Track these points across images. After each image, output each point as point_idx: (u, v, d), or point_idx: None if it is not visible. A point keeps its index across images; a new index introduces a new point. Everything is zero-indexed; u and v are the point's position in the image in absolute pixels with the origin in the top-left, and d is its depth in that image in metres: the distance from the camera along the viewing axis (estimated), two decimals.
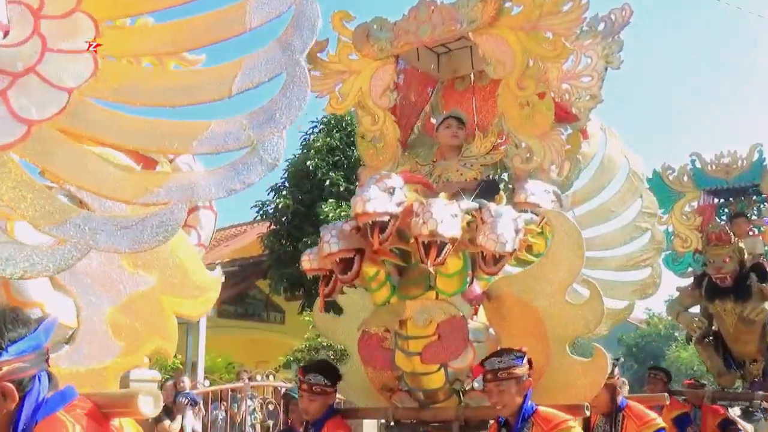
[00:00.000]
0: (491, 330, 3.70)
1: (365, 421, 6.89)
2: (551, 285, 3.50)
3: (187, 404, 8.46)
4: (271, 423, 9.98)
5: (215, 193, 2.48)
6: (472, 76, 4.86)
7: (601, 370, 3.45)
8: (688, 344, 8.79)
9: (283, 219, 13.10)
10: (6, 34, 2.39)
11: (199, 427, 8.74)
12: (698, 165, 6.91)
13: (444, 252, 3.29)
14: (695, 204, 6.83)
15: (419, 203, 3.37)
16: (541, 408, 3.21)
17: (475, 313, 3.78)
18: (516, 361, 3.15)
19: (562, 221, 3.52)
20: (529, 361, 3.23)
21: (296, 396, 4.35)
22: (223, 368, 12.08)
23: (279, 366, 12.27)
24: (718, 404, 5.86)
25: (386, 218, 3.37)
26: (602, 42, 4.39)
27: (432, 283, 3.64)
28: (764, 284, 6.05)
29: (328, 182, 12.71)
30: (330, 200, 12.40)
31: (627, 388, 6.03)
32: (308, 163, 12.71)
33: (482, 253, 3.42)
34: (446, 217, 3.26)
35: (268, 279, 12.98)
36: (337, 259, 3.51)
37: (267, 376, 10.89)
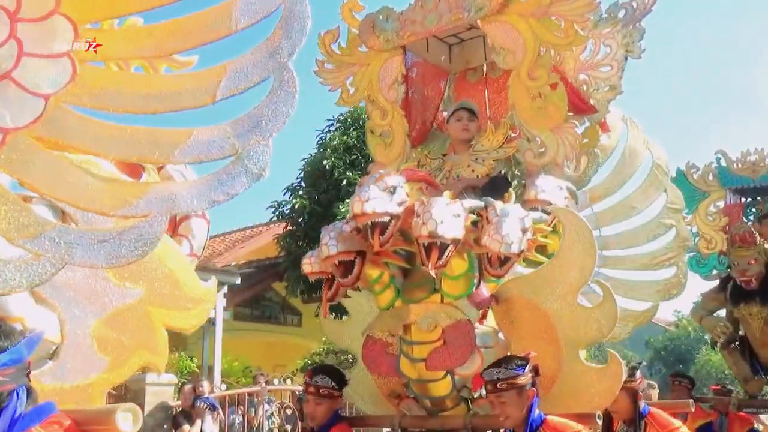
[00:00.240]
0: (500, 335, 3.53)
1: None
2: (562, 287, 3.32)
3: (206, 409, 8.43)
4: (289, 428, 9.86)
5: (197, 204, 2.39)
6: (484, 67, 4.69)
7: (616, 377, 3.26)
8: (713, 349, 8.46)
9: (300, 219, 12.82)
10: None
11: (217, 431, 8.74)
12: (723, 163, 6.60)
13: (446, 254, 3.14)
14: (721, 204, 6.52)
15: (420, 203, 3.23)
16: (550, 418, 3.05)
17: (484, 317, 3.64)
18: (517, 371, 2.98)
19: (572, 219, 3.33)
20: (535, 369, 3.06)
21: None
22: (239, 372, 11.99)
23: (296, 370, 12.05)
24: (744, 412, 5.58)
25: (386, 219, 3.23)
26: (622, 30, 4.18)
27: (437, 285, 3.49)
28: None
29: (345, 182, 12.40)
30: (347, 200, 12.09)
31: (656, 392, 5.79)
32: (324, 162, 12.51)
33: (488, 254, 3.26)
34: (447, 217, 3.10)
35: (284, 281, 12.69)
36: (337, 262, 3.39)
37: (284, 380, 10.77)
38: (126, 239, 2.24)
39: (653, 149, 4.78)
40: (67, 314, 2.49)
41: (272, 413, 9.45)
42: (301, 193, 12.83)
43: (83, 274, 2.55)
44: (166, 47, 2.58)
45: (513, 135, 4.21)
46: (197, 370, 10.87)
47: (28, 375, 2.00)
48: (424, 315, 3.42)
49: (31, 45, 2.43)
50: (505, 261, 3.25)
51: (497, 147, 4.14)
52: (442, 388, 3.46)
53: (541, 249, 3.57)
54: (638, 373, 3.92)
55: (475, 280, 3.47)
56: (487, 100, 4.66)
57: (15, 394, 1.92)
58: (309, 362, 11.31)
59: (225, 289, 11.29)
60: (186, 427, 8.19)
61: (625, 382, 3.78)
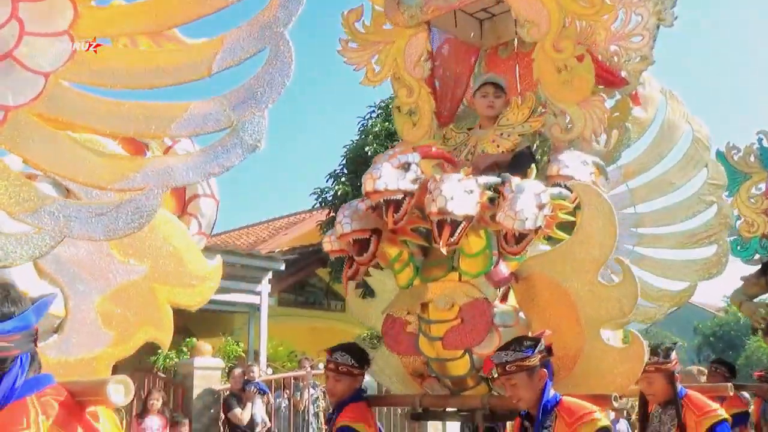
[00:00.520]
0: (521, 314, 3.44)
1: None
2: (582, 265, 3.21)
3: (256, 393, 8.55)
4: None
5: (192, 177, 2.39)
6: (515, 42, 4.56)
7: (639, 358, 3.14)
8: (755, 335, 8.07)
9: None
10: None
11: (265, 415, 8.85)
12: (765, 144, 6.24)
13: (458, 231, 3.08)
14: (762, 186, 6.15)
15: (432, 179, 3.16)
16: (565, 399, 2.95)
17: (506, 297, 3.55)
18: (526, 352, 2.89)
19: (591, 195, 3.20)
20: (548, 349, 2.97)
21: None
22: (284, 357, 12.08)
23: None
24: None
25: (400, 196, 3.19)
26: None
27: (455, 263, 3.43)
28: None
29: None
30: None
31: (704, 378, 5.56)
32: (366, 148, 12.45)
33: (504, 231, 3.18)
34: (458, 193, 3.03)
35: (328, 267, 12.74)
36: (351, 240, 3.36)
37: None
38: (123, 212, 2.26)
39: (693, 123, 4.55)
40: (72, 290, 2.53)
41: (317, 397, 9.51)
42: (343, 179, 12.84)
43: (87, 251, 2.59)
44: (163, 21, 2.58)
45: (543, 110, 4.08)
46: (243, 354, 11.05)
47: (35, 341, 1.99)
48: (442, 293, 3.37)
49: (32, 24, 2.46)
50: (521, 238, 3.16)
51: (522, 121, 4.01)
52: (460, 367, 3.39)
53: (571, 226, 3.45)
54: (673, 354, 3.74)
55: (494, 258, 3.39)
56: (517, 75, 4.53)
57: (18, 360, 1.93)
58: None
59: (269, 275, 11.44)
60: (237, 410, 8.33)
61: (660, 363, 3.67)
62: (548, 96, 3.84)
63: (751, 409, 5.48)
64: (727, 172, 5.58)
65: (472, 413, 3.45)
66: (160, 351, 10.24)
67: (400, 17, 4.29)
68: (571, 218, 3.35)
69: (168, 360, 10.04)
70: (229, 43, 2.41)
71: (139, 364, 10.16)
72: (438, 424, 8.40)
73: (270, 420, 8.95)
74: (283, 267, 11.46)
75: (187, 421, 8.41)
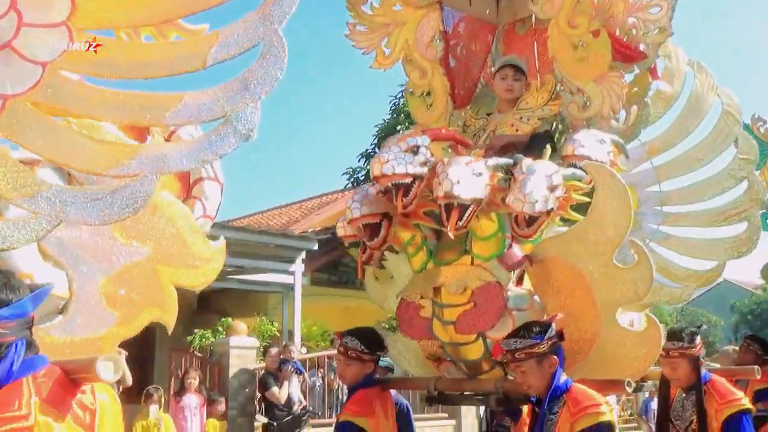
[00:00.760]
0: (536, 297, 3.38)
1: None
2: (596, 246, 3.12)
3: (293, 372, 8.65)
4: None
5: (186, 164, 2.44)
6: (533, 18, 4.44)
7: (655, 342, 3.05)
8: None
9: None
10: None
11: (301, 394, 8.94)
12: None
13: (467, 215, 3.03)
14: None
15: (441, 162, 3.11)
16: (575, 387, 2.88)
17: (521, 279, 3.49)
18: (536, 339, 2.83)
19: (605, 175, 3.11)
20: (559, 334, 2.90)
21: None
22: (318, 336, 12.15)
23: None
24: None
25: (408, 180, 3.15)
26: None
27: (468, 247, 3.38)
28: None
29: None
30: None
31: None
32: (398, 127, 12.43)
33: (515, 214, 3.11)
34: (465, 176, 2.97)
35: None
36: (361, 225, 3.34)
37: None
38: (118, 198, 2.32)
39: (723, 95, 4.37)
40: (75, 272, 2.60)
41: None
42: None
43: (90, 234, 2.65)
44: (161, 14, 2.61)
45: (561, 89, 3.96)
46: (278, 334, 11.17)
47: (30, 329, 2.05)
48: (454, 277, 3.32)
49: (30, 15, 2.51)
50: (532, 221, 3.09)
51: (542, 105, 3.92)
52: (474, 351, 3.35)
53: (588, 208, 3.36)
54: (698, 339, 3.62)
55: (507, 241, 3.32)
56: (536, 53, 4.42)
57: (14, 346, 1.98)
58: (386, 326, 11.41)
59: (303, 255, 11.50)
60: (275, 389, 8.45)
61: (685, 348, 3.57)
62: (564, 74, 3.73)
63: None
64: None
65: (486, 397, 3.41)
66: (196, 331, 10.46)
67: None
68: (587, 199, 3.26)
69: (204, 340, 10.23)
70: (224, 38, 2.48)
71: (176, 344, 10.38)
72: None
73: (305, 398, 9.06)
74: (316, 247, 11.51)
75: (223, 399, 8.57)
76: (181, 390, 8.33)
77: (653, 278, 2.98)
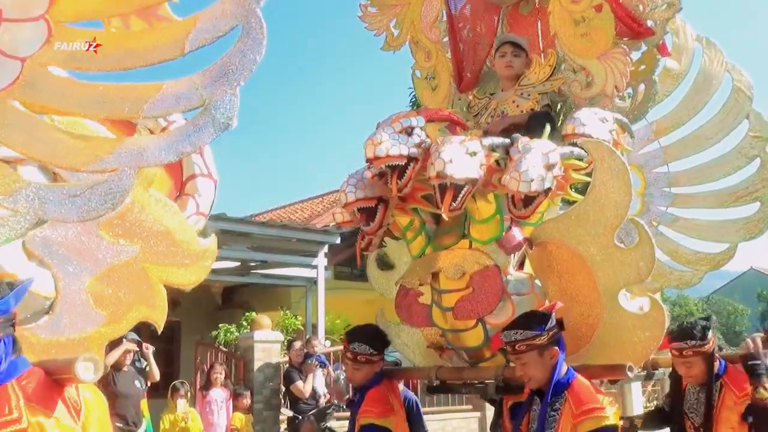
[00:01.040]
0: (537, 281, 3.30)
1: None
2: (596, 227, 3.03)
3: (317, 365, 8.65)
4: None
5: (165, 157, 2.41)
6: None
7: (659, 325, 2.95)
8: None
9: None
10: None
11: (325, 387, 8.94)
12: None
13: (461, 196, 2.96)
14: None
15: (434, 143, 3.05)
16: (577, 381, 2.79)
17: (523, 263, 3.41)
18: (536, 330, 2.76)
19: (603, 153, 3.01)
20: (559, 324, 2.82)
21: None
22: (342, 329, 12.14)
23: None
24: None
25: (402, 162, 3.09)
26: None
27: (466, 231, 3.31)
28: None
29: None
30: None
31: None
32: None
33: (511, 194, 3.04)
34: (458, 156, 2.90)
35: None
36: (356, 209, 3.30)
37: None
38: (96, 193, 2.30)
39: (733, 72, 4.22)
40: (62, 271, 2.58)
41: None
42: None
43: (75, 233, 2.63)
44: (142, 1, 2.59)
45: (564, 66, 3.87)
46: (302, 327, 11.18)
47: (13, 326, 2.05)
48: (452, 262, 3.26)
49: (10, 11, 2.50)
50: (529, 201, 3.02)
51: (543, 80, 3.83)
52: (473, 337, 3.29)
53: None
54: (710, 334, 3.35)
55: (506, 224, 3.25)
56: (539, 32, 4.32)
57: (2, 343, 1.98)
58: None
59: (326, 248, 11.50)
60: (299, 382, 8.46)
61: (698, 346, 3.32)
62: (566, 51, 3.64)
63: None
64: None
65: (487, 385, 3.35)
66: (221, 326, 10.53)
67: None
68: (588, 179, 3.17)
69: (229, 334, 10.29)
70: (202, 22, 2.43)
71: (202, 339, 10.46)
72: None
73: (328, 391, 9.06)
74: (338, 240, 11.50)
75: (248, 393, 8.60)
76: (208, 384, 8.38)
77: (655, 258, 2.88)
